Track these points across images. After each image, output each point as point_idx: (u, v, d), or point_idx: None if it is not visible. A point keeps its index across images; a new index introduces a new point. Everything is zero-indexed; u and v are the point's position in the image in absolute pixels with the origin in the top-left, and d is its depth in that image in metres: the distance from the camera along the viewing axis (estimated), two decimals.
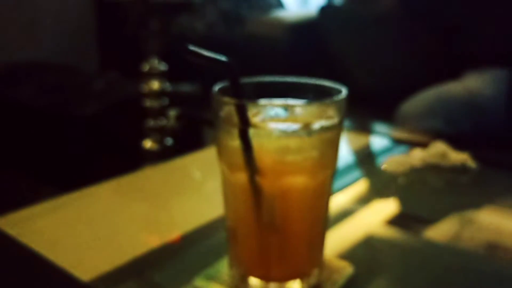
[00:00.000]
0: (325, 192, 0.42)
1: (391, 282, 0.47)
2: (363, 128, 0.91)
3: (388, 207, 0.62)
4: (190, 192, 0.68)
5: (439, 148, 0.73)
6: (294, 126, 0.38)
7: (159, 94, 1.07)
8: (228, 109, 0.39)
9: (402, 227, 0.57)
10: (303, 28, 1.70)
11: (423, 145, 0.76)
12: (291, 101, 0.43)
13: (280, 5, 1.95)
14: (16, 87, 1.52)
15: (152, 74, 1.06)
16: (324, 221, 0.43)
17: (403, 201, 0.64)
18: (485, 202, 0.63)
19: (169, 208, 0.63)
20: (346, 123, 0.41)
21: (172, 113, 1.10)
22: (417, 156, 0.73)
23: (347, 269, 0.45)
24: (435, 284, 0.46)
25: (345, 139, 0.85)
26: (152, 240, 0.54)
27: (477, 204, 0.62)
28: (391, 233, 0.56)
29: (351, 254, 0.50)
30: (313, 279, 0.43)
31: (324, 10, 1.59)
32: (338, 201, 0.62)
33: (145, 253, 0.50)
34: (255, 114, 0.39)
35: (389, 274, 0.47)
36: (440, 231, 0.56)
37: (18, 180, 1.40)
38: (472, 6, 1.22)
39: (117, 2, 1.15)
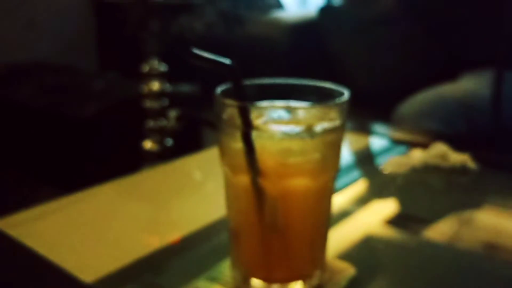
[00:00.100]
0: (327, 194, 0.42)
1: (391, 282, 0.47)
2: (363, 129, 0.92)
3: (387, 207, 0.62)
4: (190, 193, 0.68)
5: (439, 149, 0.73)
6: (297, 128, 0.38)
7: (159, 94, 1.07)
8: (231, 111, 0.39)
9: (402, 228, 0.57)
10: (302, 29, 1.71)
11: (423, 146, 0.76)
12: (293, 103, 0.43)
13: (280, 6, 1.95)
14: (16, 87, 1.51)
15: (152, 75, 1.06)
16: (326, 223, 0.43)
17: (403, 201, 0.64)
18: (485, 202, 0.63)
19: (169, 209, 0.63)
20: (346, 124, 0.42)
21: (172, 113, 1.10)
22: (417, 157, 0.74)
23: (349, 270, 0.46)
24: (434, 284, 0.46)
25: (345, 139, 0.85)
26: (152, 242, 0.54)
27: (476, 204, 0.62)
28: (391, 233, 0.56)
29: (351, 254, 0.50)
30: (315, 281, 0.43)
31: (323, 11, 1.59)
32: (338, 201, 0.62)
33: (146, 254, 0.50)
34: (258, 116, 0.39)
35: (389, 274, 0.47)
36: (440, 232, 0.56)
37: (18, 180, 1.40)
38: (469, 8, 1.22)
39: (117, 3, 1.15)
